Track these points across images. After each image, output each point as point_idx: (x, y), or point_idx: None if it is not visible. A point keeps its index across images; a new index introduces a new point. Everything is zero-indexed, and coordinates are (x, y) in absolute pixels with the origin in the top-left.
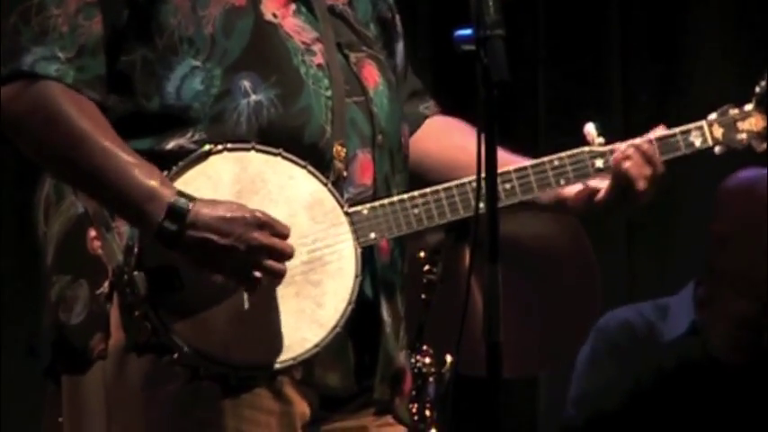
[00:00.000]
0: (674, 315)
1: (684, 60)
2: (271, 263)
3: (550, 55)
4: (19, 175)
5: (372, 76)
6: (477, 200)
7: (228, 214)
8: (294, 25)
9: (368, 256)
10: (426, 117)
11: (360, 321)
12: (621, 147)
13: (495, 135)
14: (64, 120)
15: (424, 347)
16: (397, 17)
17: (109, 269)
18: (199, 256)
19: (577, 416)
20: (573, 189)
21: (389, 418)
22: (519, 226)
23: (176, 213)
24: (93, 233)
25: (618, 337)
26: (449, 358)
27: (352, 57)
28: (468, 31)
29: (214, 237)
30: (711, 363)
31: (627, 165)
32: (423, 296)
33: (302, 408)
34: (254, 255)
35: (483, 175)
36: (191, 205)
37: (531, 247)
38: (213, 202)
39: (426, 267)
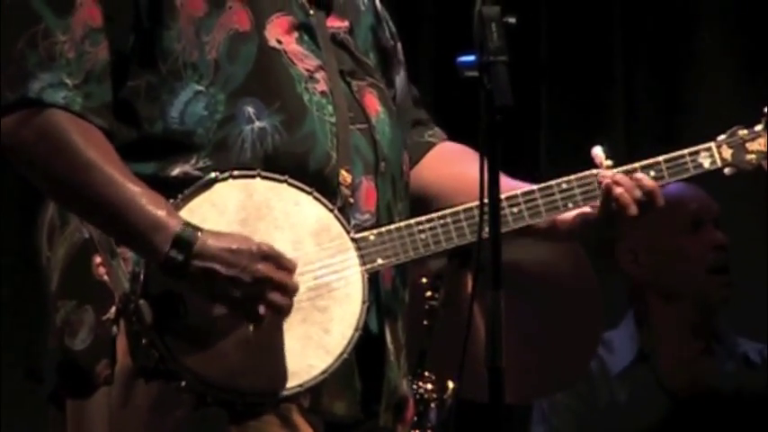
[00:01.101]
0: (618, 348)
1: (689, 83)
2: (275, 296)
3: (553, 79)
4: (20, 198)
5: (373, 104)
6: (480, 226)
7: (234, 246)
8: (297, 52)
9: (373, 283)
10: (432, 144)
11: (364, 349)
12: (609, 173)
13: (498, 160)
14: (71, 148)
15: (426, 373)
16: (399, 45)
17: (115, 295)
18: (204, 287)
19: None
20: (565, 215)
21: None
22: (521, 252)
23: (183, 244)
24: (98, 259)
25: None
26: (450, 384)
27: (354, 85)
28: (470, 57)
29: (220, 267)
30: (663, 390)
31: (618, 191)
32: (425, 322)
33: None
34: (258, 287)
35: (486, 200)
36: (197, 236)
37: (534, 273)
38: (219, 234)
39: (428, 293)
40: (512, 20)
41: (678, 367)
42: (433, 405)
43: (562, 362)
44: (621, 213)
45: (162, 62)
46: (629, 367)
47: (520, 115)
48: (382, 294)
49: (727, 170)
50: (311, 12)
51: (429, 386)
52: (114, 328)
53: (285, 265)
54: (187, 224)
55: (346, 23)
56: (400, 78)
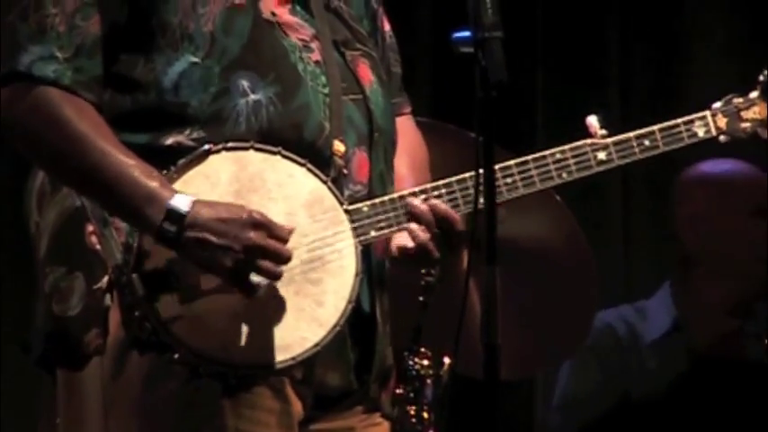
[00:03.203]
0: (652, 317)
1: (683, 55)
2: (266, 264)
3: (548, 52)
4: (13, 166)
5: (367, 74)
6: (476, 201)
7: (225, 215)
8: (292, 23)
9: (365, 255)
10: None
11: (356, 320)
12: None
13: (492, 136)
14: (63, 122)
15: (422, 349)
16: (381, 9)
17: (108, 265)
18: (196, 256)
19: (565, 424)
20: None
21: (376, 418)
22: (517, 228)
23: (175, 215)
24: (90, 227)
25: (601, 341)
26: (446, 360)
27: (348, 54)
28: (465, 33)
29: (211, 237)
30: (696, 360)
31: (417, 234)
32: (420, 298)
33: (298, 407)
34: (249, 255)
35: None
36: (189, 206)
37: (529, 249)
38: (212, 204)
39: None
40: None
41: (713, 341)
42: (428, 381)
43: (558, 337)
44: (425, 257)
45: (158, 34)
46: (664, 336)
47: (516, 87)
48: (373, 266)
49: (722, 138)
50: None
51: (425, 362)
52: (107, 299)
53: (277, 233)
54: (178, 194)
55: None
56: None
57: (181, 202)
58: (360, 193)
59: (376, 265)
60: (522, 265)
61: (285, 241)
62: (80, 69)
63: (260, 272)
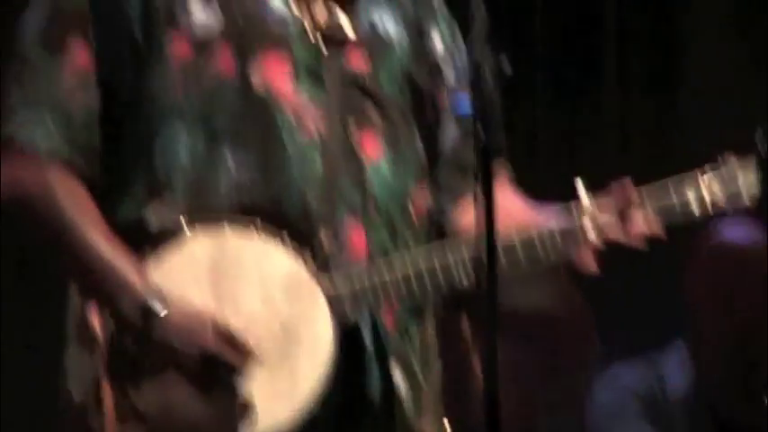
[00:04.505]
0: (669, 375)
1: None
2: (224, 375)
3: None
4: None
5: (374, 147)
6: (478, 273)
7: (196, 326)
8: (290, 95)
9: (376, 332)
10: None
11: (379, 398)
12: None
13: (493, 203)
14: (57, 210)
15: None
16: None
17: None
18: (161, 360)
19: None
20: None
21: None
22: (519, 298)
23: (147, 316)
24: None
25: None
26: (446, 422)
27: (353, 127)
28: (465, 101)
29: (176, 343)
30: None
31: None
32: None
33: None
34: (209, 367)
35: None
36: (163, 312)
37: (531, 319)
38: (185, 313)
39: None
40: (507, 70)
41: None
42: None
43: (558, 404)
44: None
45: (147, 106)
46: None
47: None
48: (389, 342)
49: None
50: (322, 49)
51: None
52: (102, 377)
53: (236, 344)
54: (155, 294)
55: (368, 65)
56: (444, 135)
57: (156, 305)
58: (353, 267)
59: (392, 341)
60: (524, 334)
61: (248, 356)
62: (74, 140)
63: (219, 383)
